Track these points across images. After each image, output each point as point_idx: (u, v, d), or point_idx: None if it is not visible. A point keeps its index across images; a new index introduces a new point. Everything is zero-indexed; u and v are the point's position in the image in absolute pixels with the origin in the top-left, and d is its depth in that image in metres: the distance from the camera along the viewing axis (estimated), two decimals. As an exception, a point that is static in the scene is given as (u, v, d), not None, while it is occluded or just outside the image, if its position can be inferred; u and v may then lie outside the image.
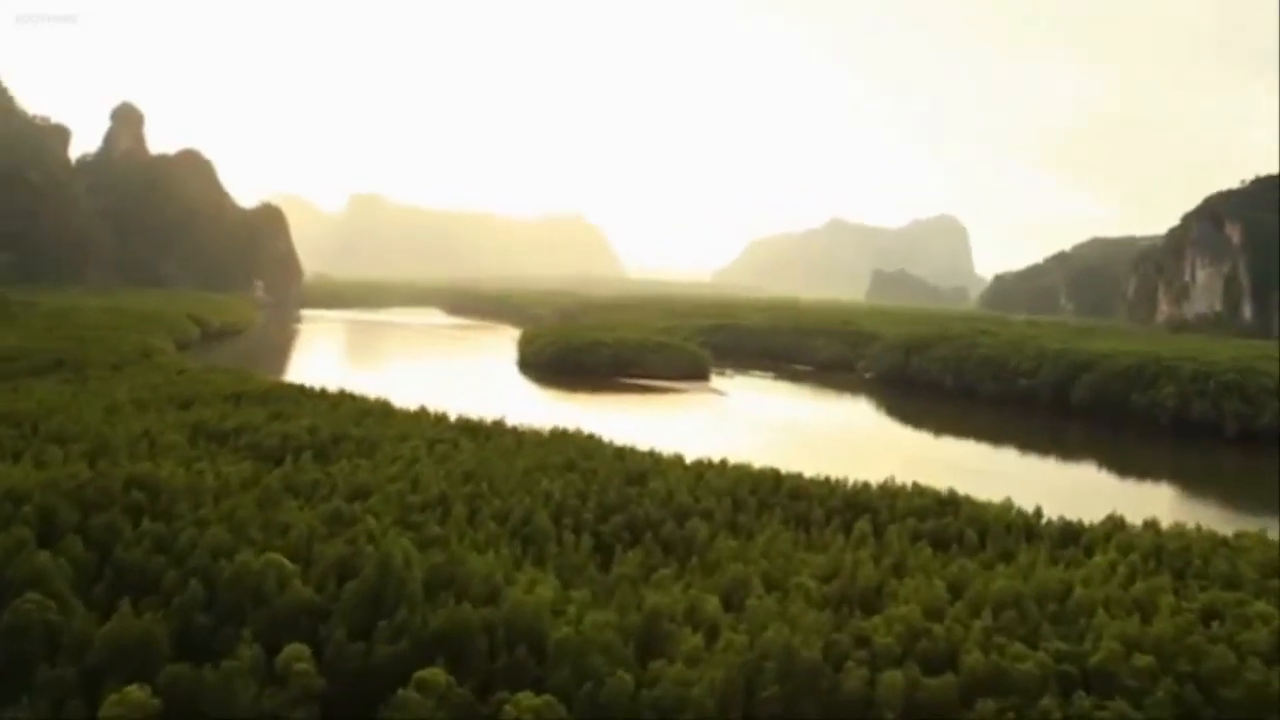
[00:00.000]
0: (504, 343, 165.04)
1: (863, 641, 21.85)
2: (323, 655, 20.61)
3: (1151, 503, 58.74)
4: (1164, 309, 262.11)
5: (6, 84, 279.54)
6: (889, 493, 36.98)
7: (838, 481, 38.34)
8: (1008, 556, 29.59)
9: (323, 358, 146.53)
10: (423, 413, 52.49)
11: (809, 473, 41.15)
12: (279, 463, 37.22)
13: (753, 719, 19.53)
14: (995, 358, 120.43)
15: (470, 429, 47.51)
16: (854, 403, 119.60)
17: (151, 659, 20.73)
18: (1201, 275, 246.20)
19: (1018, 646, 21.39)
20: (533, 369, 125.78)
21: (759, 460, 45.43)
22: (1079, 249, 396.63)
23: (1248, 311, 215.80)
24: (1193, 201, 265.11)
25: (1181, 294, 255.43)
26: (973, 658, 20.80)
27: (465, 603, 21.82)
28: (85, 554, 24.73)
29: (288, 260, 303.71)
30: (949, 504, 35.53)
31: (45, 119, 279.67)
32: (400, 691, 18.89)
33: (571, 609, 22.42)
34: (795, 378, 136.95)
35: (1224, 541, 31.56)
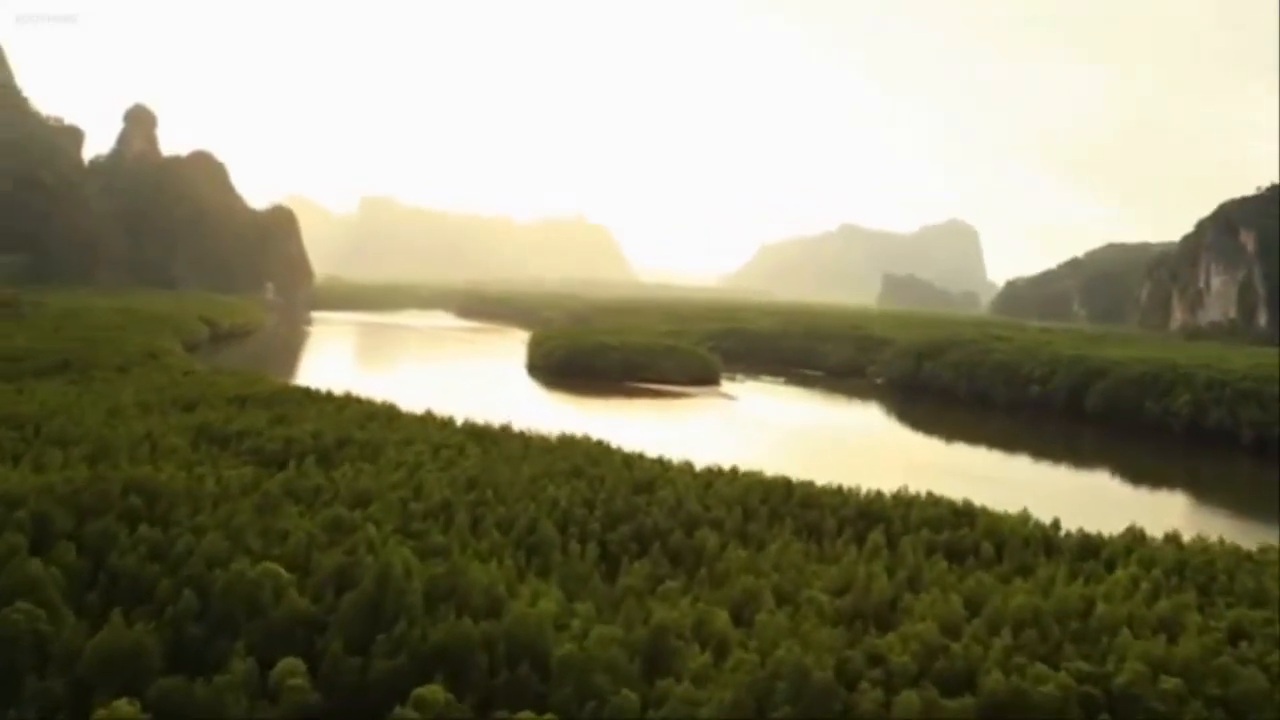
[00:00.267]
0: (513, 345, 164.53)
1: (877, 660, 21.07)
2: (318, 669, 19.93)
3: (1169, 513, 57.91)
4: (1178, 316, 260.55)
5: (20, 85, 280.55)
6: (903, 502, 36.17)
7: (850, 490, 37.54)
8: (1025, 570, 28.77)
9: (331, 360, 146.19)
10: (428, 417, 51.83)
11: (820, 480, 40.36)
12: (282, 467, 36.59)
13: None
14: (1008, 364, 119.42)
15: (476, 434, 46.82)
16: (865, 408, 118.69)
17: (142, 671, 20.07)
18: (1216, 282, 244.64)
19: (1039, 667, 20.57)
20: (542, 372, 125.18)
21: (769, 467, 44.75)
22: (1092, 255, 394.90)
23: (1262, 319, 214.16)
24: (1207, 208, 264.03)
25: (1196, 301, 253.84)
26: (992, 678, 20.00)
27: (466, 616, 21.11)
28: (78, 561, 24.07)
29: (298, 262, 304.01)
30: (964, 515, 34.69)
31: (58, 120, 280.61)
32: (398, 709, 18.18)
33: (575, 623, 21.68)
34: (805, 383, 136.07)
35: (1248, 556, 30.69)
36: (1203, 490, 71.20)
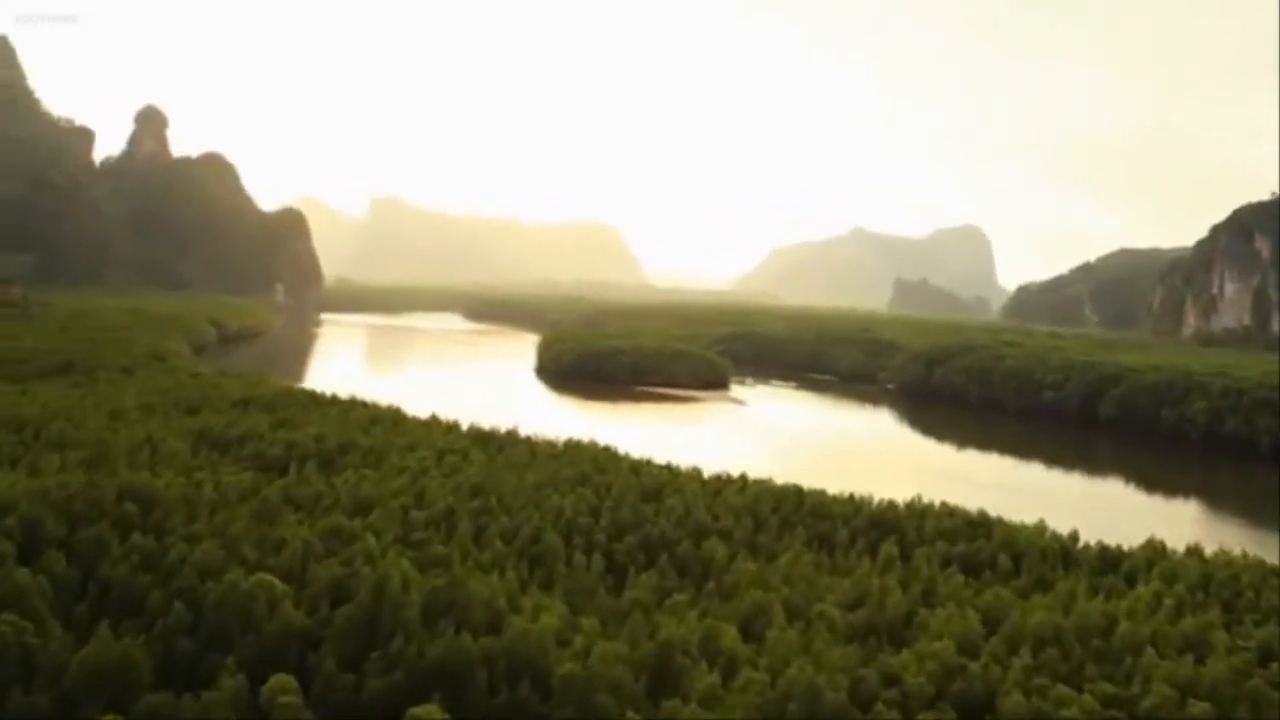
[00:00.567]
0: (523, 348, 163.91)
1: (892, 680, 20.25)
2: (311, 686, 19.21)
3: (1188, 523, 56.94)
4: (1191, 322, 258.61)
5: (32, 86, 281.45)
6: (916, 512, 35.29)
7: (862, 500, 36.66)
8: (1044, 584, 27.90)
9: (339, 362, 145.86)
10: (434, 421, 51.10)
11: (831, 488, 39.58)
12: (283, 472, 35.90)
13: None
14: (1020, 370, 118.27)
15: (482, 439, 46.08)
16: (876, 414, 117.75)
17: (130, 686, 19.37)
18: (1230, 289, 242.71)
19: (1061, 689, 19.72)
20: (550, 375, 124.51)
21: (779, 473, 43.93)
22: (1104, 260, 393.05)
23: (1276, 325, 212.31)
24: (1218, 215, 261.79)
25: (1209, 307, 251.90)
26: (1012, 700, 19.18)
27: (465, 631, 20.33)
28: (68, 571, 23.37)
29: (308, 264, 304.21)
30: (980, 526, 33.78)
31: (69, 121, 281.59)
32: (392, 729, 17.48)
33: (579, 639, 20.88)
34: (816, 387, 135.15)
35: (1275, 571, 29.71)
36: (1220, 500, 70.03)
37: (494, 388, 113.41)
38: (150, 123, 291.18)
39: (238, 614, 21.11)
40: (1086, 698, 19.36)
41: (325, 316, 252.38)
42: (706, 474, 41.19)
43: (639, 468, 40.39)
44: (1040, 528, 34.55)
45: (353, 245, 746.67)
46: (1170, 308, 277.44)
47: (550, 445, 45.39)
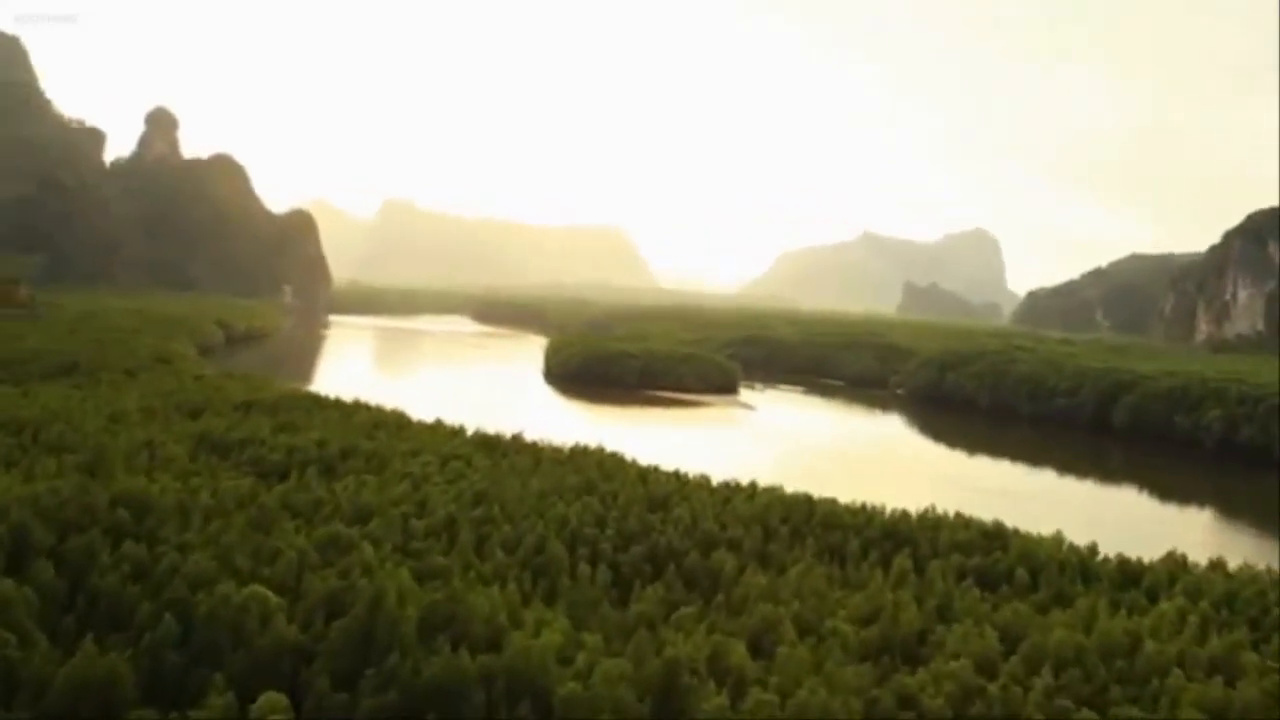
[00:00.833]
0: (531, 351, 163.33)
1: (908, 701, 19.40)
2: (302, 704, 18.44)
3: (1206, 534, 55.91)
4: (1203, 328, 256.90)
5: (43, 87, 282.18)
6: (930, 523, 34.36)
7: (874, 509, 35.78)
8: (1063, 600, 26.99)
9: (345, 364, 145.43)
10: (438, 425, 50.34)
11: (841, 496, 38.72)
12: (283, 478, 35.17)
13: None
14: (1033, 376, 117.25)
15: (487, 444, 45.29)
16: (886, 419, 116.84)
17: (116, 703, 18.61)
18: (1243, 294, 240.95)
19: (1085, 712, 18.86)
20: (558, 379, 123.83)
21: (788, 480, 43.10)
22: (1115, 265, 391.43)
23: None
24: (1231, 220, 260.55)
25: (1222, 313, 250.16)
26: (1034, 724, 18.33)
27: (464, 648, 19.53)
28: (56, 581, 22.63)
29: (317, 265, 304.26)
30: (996, 537, 32.86)
31: (80, 122, 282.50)
32: (385, 752, 16.71)
33: (581, 657, 20.07)
34: (826, 392, 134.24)
35: (1302, 588, 28.75)
36: (1238, 510, 68.93)
37: (501, 391, 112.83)
38: (160, 124, 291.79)
39: (228, 628, 20.34)
40: (1112, 722, 18.52)
41: (334, 318, 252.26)
42: (715, 481, 40.31)
43: (646, 475, 39.53)
44: (1057, 539, 33.64)
45: (362, 247, 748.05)
46: (1182, 313, 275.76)
47: (556, 451, 44.60)
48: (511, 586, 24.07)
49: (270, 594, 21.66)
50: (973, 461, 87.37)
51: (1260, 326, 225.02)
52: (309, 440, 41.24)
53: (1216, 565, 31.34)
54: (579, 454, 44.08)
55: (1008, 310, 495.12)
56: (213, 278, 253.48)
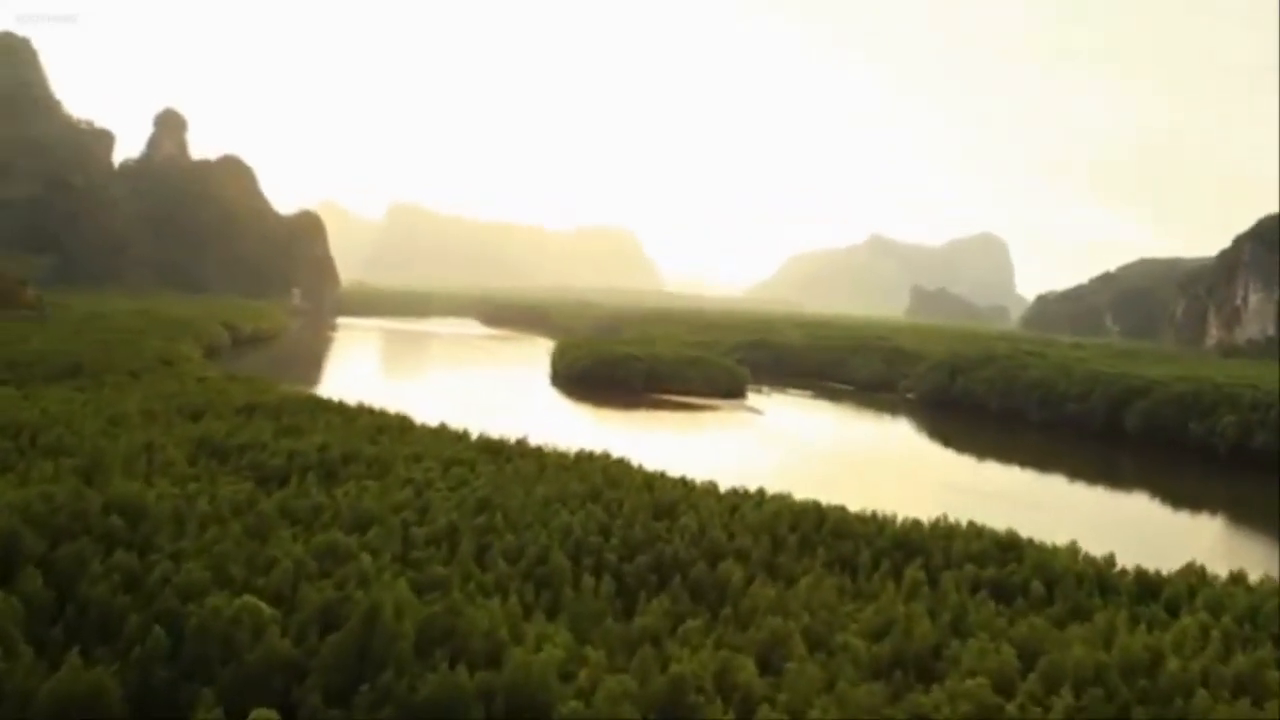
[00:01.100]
0: (538, 354, 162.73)
1: (923, 722, 18.68)
2: (294, 722, 17.80)
3: (1223, 543, 55.04)
4: (1214, 333, 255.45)
5: (52, 89, 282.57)
6: (942, 533, 33.58)
7: (885, 518, 35.00)
8: (1081, 614, 26.19)
9: (351, 366, 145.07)
10: (443, 430, 49.69)
11: (851, 503, 38.00)
12: (283, 484, 34.55)
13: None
14: (1044, 381, 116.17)
15: (491, 449, 44.60)
16: (895, 424, 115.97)
17: (101, 718, 18.03)
18: (1254, 299, 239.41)
19: (1108, 734, 18.14)
20: (565, 382, 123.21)
21: (797, 487, 42.41)
22: (1125, 270, 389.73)
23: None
24: (1240, 224, 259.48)
25: (1233, 318, 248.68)
26: (1055, 747, 17.60)
27: (462, 663, 18.86)
28: (44, 590, 21.99)
29: (325, 267, 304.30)
30: (1010, 548, 32.05)
31: (89, 123, 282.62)
32: (378, 774, 16.04)
33: (584, 673, 19.38)
34: (834, 397, 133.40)
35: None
36: (1254, 519, 67.88)
37: (507, 394, 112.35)
38: (169, 125, 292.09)
39: (220, 641, 19.70)
40: (1136, 745, 17.77)
41: (341, 320, 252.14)
42: (722, 488, 39.59)
43: (652, 481, 38.81)
44: (1073, 550, 32.85)
45: (370, 249, 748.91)
46: (1193, 318, 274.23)
47: (561, 456, 43.89)
48: (513, 598, 23.37)
49: (264, 605, 21.02)
50: (983, 467, 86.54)
51: (1271, 331, 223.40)
52: (310, 445, 40.63)
53: (1238, 578, 30.52)
54: (584, 460, 43.39)
55: (1016, 314, 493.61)
56: (221, 279, 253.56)
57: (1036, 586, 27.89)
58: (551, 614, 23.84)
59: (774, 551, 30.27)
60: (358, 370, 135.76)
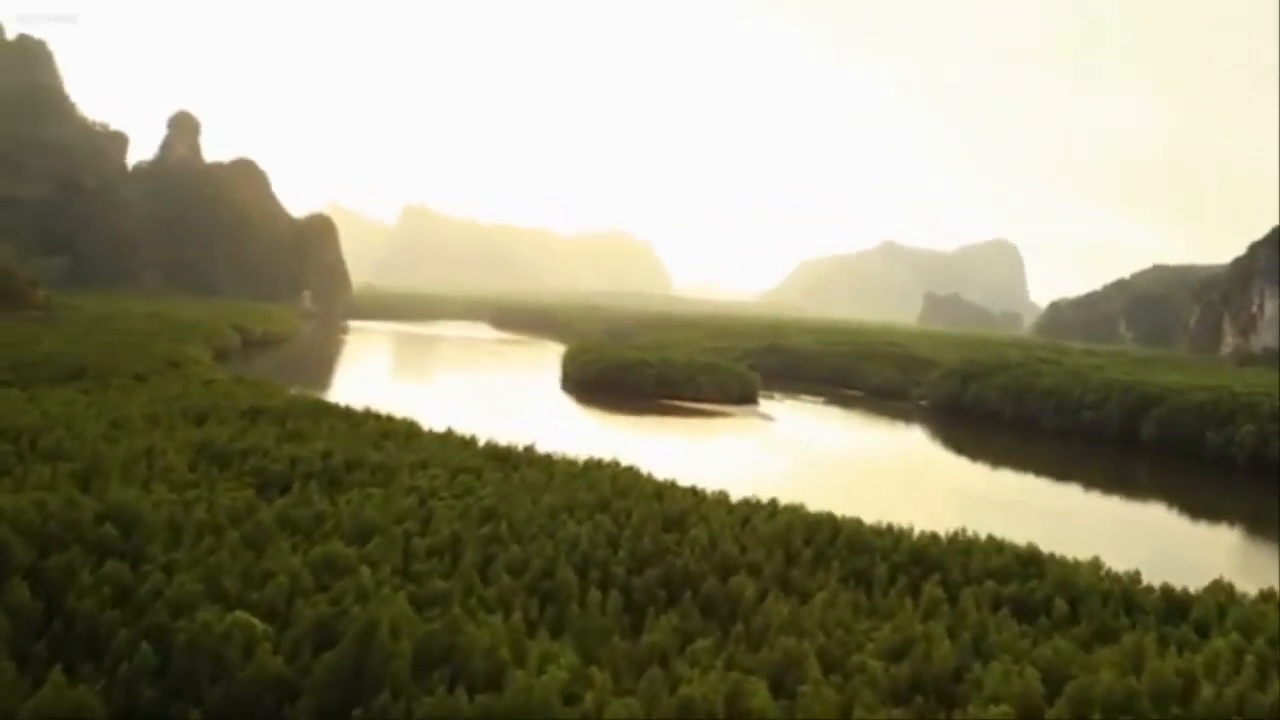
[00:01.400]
0: (548, 358, 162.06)
1: (945, 751, 17.74)
2: (285, 747, 16.98)
3: (1246, 558, 53.90)
4: (1229, 341, 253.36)
5: (68, 91, 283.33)
6: (961, 547, 32.59)
7: (902, 531, 34.03)
8: (1107, 634, 25.18)
9: (361, 369, 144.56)
10: (449, 436, 48.86)
11: (865, 514, 37.13)
12: (284, 491, 33.72)
13: None
14: (1058, 388, 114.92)
15: (498, 456, 43.76)
16: (908, 431, 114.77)
17: (85, 740, 17.24)
18: (1270, 306, 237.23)
19: (1141, 767, 17.18)
20: (575, 387, 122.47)
21: (810, 496, 41.53)
22: (1139, 277, 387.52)
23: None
24: (1254, 231, 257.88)
25: (1248, 325, 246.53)
26: (1085, 781, 16.64)
27: (462, 685, 18.02)
28: (31, 603, 21.20)
29: (336, 270, 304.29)
30: (1031, 563, 31.04)
31: (104, 125, 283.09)
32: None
33: (589, 696, 18.48)
34: (846, 403, 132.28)
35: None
36: (1276, 532, 66.64)
37: (517, 398, 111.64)
38: (182, 128, 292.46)
39: (209, 658, 18.87)
40: (1171, 780, 16.81)
41: (352, 323, 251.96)
42: (734, 498, 38.66)
43: (662, 491, 37.88)
44: (1096, 565, 31.84)
45: (382, 252, 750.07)
46: (1208, 326, 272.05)
47: (570, 464, 43.01)
48: (516, 615, 22.48)
49: (256, 621, 20.19)
50: (997, 476, 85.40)
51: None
52: (314, 451, 39.84)
53: (1268, 597, 29.44)
54: (593, 468, 42.51)
55: (1029, 321, 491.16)
56: (233, 281, 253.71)
57: (1060, 605, 26.89)
58: (556, 631, 22.95)
59: (787, 565, 29.32)
60: (367, 374, 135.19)
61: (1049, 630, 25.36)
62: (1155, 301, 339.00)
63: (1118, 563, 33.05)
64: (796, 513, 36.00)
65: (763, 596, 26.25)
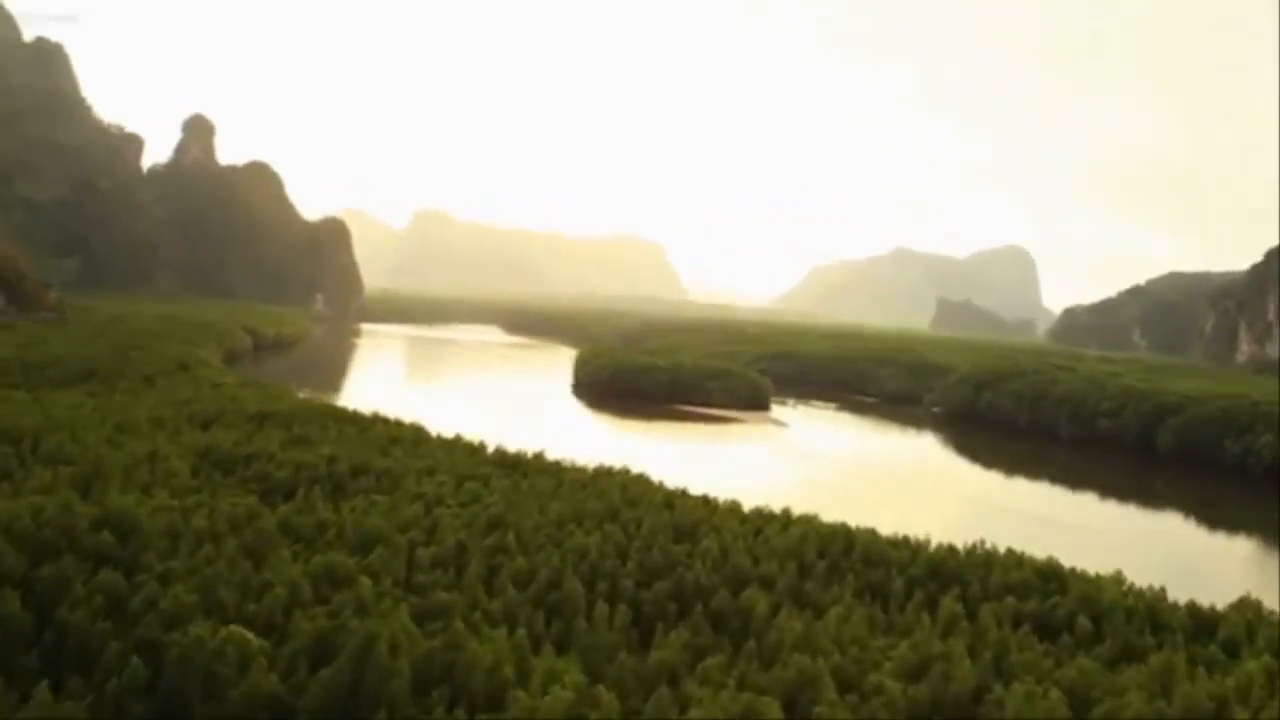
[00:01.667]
0: (560, 362, 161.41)
1: (967, 780, 16.94)
2: (278, 769, 16.29)
3: (1267, 572, 52.83)
4: (1244, 348, 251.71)
5: (84, 94, 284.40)
6: (979, 560, 31.72)
7: (919, 543, 33.18)
8: (1133, 654, 24.28)
9: (372, 373, 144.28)
10: (458, 442, 48.15)
11: (880, 523, 36.27)
12: (288, 497, 33.07)
13: None
14: (1074, 396, 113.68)
15: (507, 463, 43.02)
16: (922, 439, 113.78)
17: (70, 759, 16.60)
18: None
19: (1174, 799, 16.36)
20: (587, 391, 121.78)
21: (822, 505, 40.86)
22: (1154, 284, 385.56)
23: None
24: (1270, 239, 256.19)
25: (1264, 333, 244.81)
26: (1115, 813, 15.83)
27: (462, 706, 17.32)
28: (22, 614, 20.56)
29: (349, 273, 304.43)
30: (1052, 578, 30.14)
31: (119, 127, 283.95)
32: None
33: (595, 718, 17.73)
34: (859, 409, 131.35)
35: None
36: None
37: (528, 403, 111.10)
38: (197, 131, 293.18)
39: (201, 675, 18.19)
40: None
41: (365, 326, 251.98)
42: (746, 507, 37.85)
43: (673, 500, 37.09)
44: (1119, 579, 30.94)
45: (394, 256, 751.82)
46: (1223, 333, 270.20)
47: (579, 471, 42.24)
48: (521, 630, 21.73)
49: (251, 635, 19.49)
50: (1013, 485, 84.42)
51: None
52: (319, 456, 39.15)
53: (1297, 614, 28.50)
54: (602, 475, 41.71)
55: (1042, 327, 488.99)
56: (246, 284, 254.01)
57: (1083, 622, 26.01)
58: (562, 647, 22.19)
59: (801, 578, 28.48)
60: (378, 377, 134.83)
61: (1072, 649, 24.49)
62: (1170, 308, 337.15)
63: (1138, 576, 32.15)
64: (810, 523, 35.17)
65: (775, 611, 25.44)
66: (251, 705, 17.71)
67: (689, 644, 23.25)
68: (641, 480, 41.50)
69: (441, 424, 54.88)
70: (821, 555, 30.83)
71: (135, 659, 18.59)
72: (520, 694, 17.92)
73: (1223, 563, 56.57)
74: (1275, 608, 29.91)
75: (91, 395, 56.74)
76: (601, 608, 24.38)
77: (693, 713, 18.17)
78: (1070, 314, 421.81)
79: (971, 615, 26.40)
